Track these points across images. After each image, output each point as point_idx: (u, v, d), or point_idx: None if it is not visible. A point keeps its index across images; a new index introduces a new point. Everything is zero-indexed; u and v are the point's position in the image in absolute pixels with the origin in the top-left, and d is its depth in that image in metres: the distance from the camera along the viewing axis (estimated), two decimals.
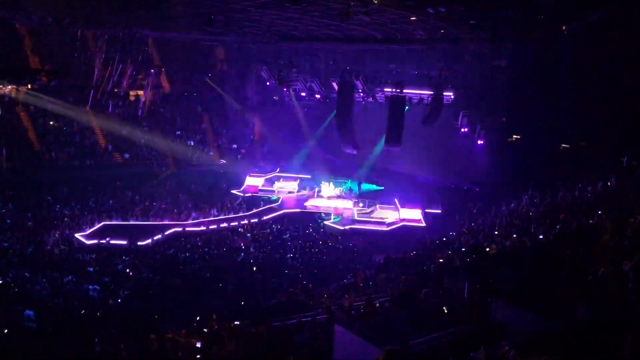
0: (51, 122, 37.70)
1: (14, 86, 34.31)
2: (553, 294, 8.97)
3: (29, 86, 35.43)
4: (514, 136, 31.93)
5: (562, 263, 10.90)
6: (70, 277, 19.31)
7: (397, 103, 28.94)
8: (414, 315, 10.22)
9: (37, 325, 15.00)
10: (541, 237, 15.61)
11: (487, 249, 15.34)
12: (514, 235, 17.04)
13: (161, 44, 43.04)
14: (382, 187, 36.44)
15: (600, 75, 24.79)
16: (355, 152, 32.58)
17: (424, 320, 9.62)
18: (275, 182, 37.01)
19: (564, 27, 22.59)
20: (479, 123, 31.35)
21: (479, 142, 31.79)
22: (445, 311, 10.25)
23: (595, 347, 6.27)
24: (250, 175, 38.05)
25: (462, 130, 31.90)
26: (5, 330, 14.48)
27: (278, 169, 40.55)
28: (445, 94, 29.90)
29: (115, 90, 41.33)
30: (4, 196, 30.14)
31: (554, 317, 7.71)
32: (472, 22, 22.26)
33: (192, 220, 29.53)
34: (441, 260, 17.45)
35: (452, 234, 24.87)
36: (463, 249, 17.90)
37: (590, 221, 15.30)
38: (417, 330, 8.63)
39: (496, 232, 20.46)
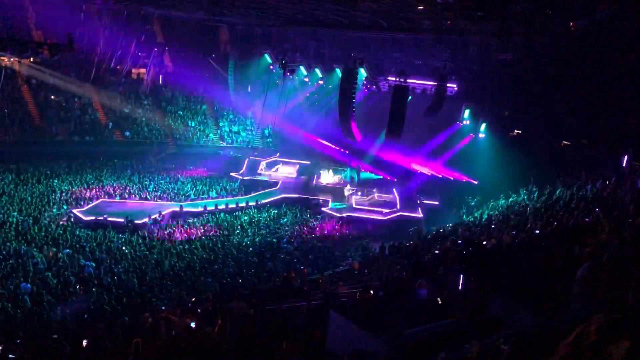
0: (52, 97, 37.55)
1: (16, 58, 34.09)
2: (548, 289, 9.00)
3: (31, 59, 35.23)
4: (516, 131, 31.90)
5: (558, 259, 10.93)
6: (66, 251, 19.37)
7: (400, 92, 28.84)
8: (409, 305, 10.26)
9: (30, 301, 15.06)
10: (537, 232, 15.63)
11: (484, 243, 15.37)
12: (513, 232, 17.06)
13: (165, 23, 42.78)
14: (381, 177, 36.46)
15: (605, 74, 24.71)
16: (356, 139, 32.52)
17: (419, 311, 9.66)
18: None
19: (571, 24, 22.44)
20: (481, 116, 31.29)
21: (480, 135, 31.76)
22: (440, 302, 10.29)
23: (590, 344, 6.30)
24: (249, 159, 38.02)
25: (464, 122, 31.86)
26: (5, 303, 14.56)
27: (277, 154, 40.55)
28: (448, 85, 29.81)
29: (118, 67, 41.18)
30: (5, 169, 30.12)
31: (548, 313, 7.74)
32: (479, 14, 22.08)
33: (190, 200, 29.52)
34: (437, 252, 17.51)
35: (449, 226, 24.92)
36: (460, 242, 17.93)
37: (587, 219, 15.33)
38: (412, 320, 8.66)
39: (493, 226, 20.52)
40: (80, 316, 14.53)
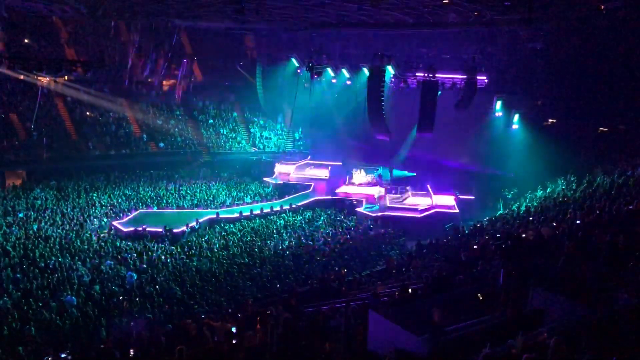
0: (87, 113, 38.57)
1: (52, 77, 35.18)
2: (592, 280, 8.80)
3: (66, 77, 36.29)
4: (550, 120, 31.22)
5: (601, 249, 10.68)
6: (108, 263, 19.83)
7: (429, 88, 28.59)
8: (449, 302, 10.14)
9: (77, 312, 15.46)
10: (578, 222, 15.28)
11: (523, 235, 15.10)
12: (553, 223, 16.71)
13: (193, 34, 43.50)
14: (414, 174, 36.17)
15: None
16: (387, 138, 32.35)
17: (459, 307, 9.54)
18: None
19: (602, 6, 21.89)
20: (513, 107, 30.76)
21: (514, 126, 31.21)
22: (481, 298, 10.14)
23: (637, 334, 6.14)
24: (281, 163, 38.22)
25: (496, 114, 31.37)
26: (53, 315, 14.99)
27: (309, 156, 40.65)
28: (478, 78, 29.41)
29: (150, 80, 42.08)
30: (46, 186, 31.10)
31: (593, 304, 7.57)
32: (506, 3, 21.74)
33: (226, 207, 29.85)
34: (475, 247, 17.28)
35: (486, 220, 24.57)
36: (498, 235, 17.65)
37: (630, 207, 14.92)
38: (452, 317, 8.57)
39: (531, 218, 20.14)
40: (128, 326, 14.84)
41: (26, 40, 36.31)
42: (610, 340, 6.15)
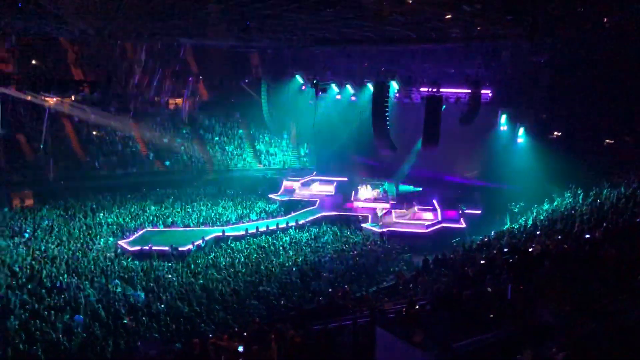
0: (94, 132, 38.85)
1: (59, 98, 35.52)
2: (600, 294, 8.71)
3: (73, 97, 36.63)
4: (555, 133, 31.17)
5: (609, 262, 10.59)
6: (115, 282, 19.81)
7: (433, 103, 28.64)
8: (457, 318, 10.06)
9: (84, 333, 15.42)
10: (587, 235, 15.17)
11: (530, 249, 15.01)
12: (559, 237, 16.61)
13: (198, 53, 43.90)
14: (420, 188, 36.10)
15: None
16: (392, 153, 32.36)
17: (467, 323, 9.46)
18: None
19: (605, 20, 21.93)
20: (518, 121, 30.75)
21: (519, 140, 31.18)
22: (491, 316, 10.04)
23: None
24: (287, 180, 38.24)
25: (501, 128, 31.35)
26: (60, 336, 14.96)
27: (314, 172, 40.67)
28: (483, 92, 29.46)
29: (156, 99, 42.43)
30: (53, 205, 31.23)
31: (602, 318, 7.49)
32: (509, 17, 21.82)
33: (232, 224, 29.84)
34: (483, 262, 17.18)
35: (493, 234, 24.43)
36: (505, 250, 17.54)
37: (638, 219, 14.82)
38: (461, 333, 8.49)
39: (539, 232, 20.02)
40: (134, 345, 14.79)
41: (34, 62, 36.72)
42: (620, 355, 6.07)
